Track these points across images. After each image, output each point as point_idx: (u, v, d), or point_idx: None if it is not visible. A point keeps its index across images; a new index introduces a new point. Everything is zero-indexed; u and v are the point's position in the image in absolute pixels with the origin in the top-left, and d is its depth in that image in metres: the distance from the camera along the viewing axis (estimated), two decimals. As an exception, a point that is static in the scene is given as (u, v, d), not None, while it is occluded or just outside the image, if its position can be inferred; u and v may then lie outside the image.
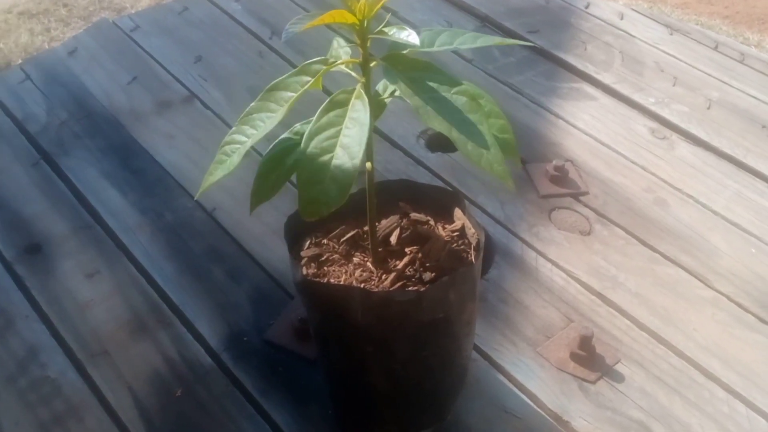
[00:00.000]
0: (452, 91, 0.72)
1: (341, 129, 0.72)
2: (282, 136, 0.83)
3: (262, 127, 0.74)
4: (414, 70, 0.73)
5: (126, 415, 1.05)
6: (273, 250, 1.25)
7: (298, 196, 0.71)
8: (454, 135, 0.70)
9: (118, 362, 1.11)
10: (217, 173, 0.75)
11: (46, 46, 2.54)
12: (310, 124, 0.73)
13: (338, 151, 0.71)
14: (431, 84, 0.72)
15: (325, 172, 0.71)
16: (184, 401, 1.07)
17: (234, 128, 0.76)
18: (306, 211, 0.71)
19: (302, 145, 0.72)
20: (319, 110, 0.73)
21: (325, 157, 0.71)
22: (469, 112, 0.70)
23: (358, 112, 0.72)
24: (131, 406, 1.06)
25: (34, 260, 1.26)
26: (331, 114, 0.73)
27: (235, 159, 0.75)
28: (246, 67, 1.66)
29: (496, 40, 0.80)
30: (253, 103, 0.75)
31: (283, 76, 0.75)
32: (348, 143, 0.71)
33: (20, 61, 2.09)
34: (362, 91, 0.74)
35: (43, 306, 1.19)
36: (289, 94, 0.74)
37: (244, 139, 0.75)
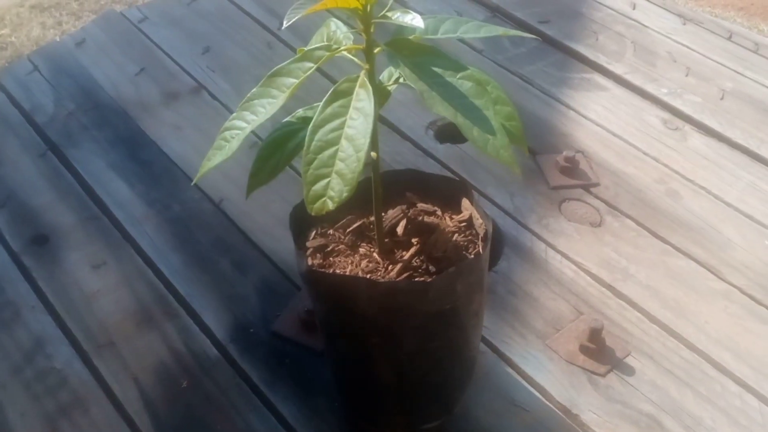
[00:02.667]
0: (458, 76, 0.70)
1: (345, 120, 0.71)
2: (284, 121, 0.82)
3: (262, 113, 0.73)
4: (418, 54, 0.72)
5: (131, 407, 1.05)
6: (280, 242, 1.25)
7: (304, 192, 0.70)
8: (459, 120, 0.68)
9: (124, 353, 1.11)
10: (215, 159, 0.74)
11: (58, 40, 2.54)
12: (314, 116, 0.71)
13: (343, 143, 0.70)
14: (436, 69, 0.71)
15: (331, 167, 0.69)
16: (190, 393, 1.06)
17: (234, 114, 0.75)
18: (312, 206, 0.70)
19: (307, 138, 0.70)
20: (323, 101, 0.72)
21: (330, 151, 0.70)
22: (475, 97, 0.69)
23: (363, 101, 0.71)
24: (137, 398, 1.06)
25: (41, 251, 1.26)
26: (335, 104, 0.72)
27: (234, 144, 0.73)
28: (254, 58, 1.65)
29: (500, 30, 0.79)
30: (254, 89, 0.74)
31: (286, 62, 0.74)
32: (353, 135, 0.70)
33: (30, 53, 2.08)
34: (366, 80, 0.72)
35: (50, 297, 1.19)
36: (291, 80, 0.73)
37: (244, 125, 0.74)
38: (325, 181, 0.69)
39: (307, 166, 0.70)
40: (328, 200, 0.69)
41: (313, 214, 0.70)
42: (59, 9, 2.93)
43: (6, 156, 1.44)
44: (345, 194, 0.69)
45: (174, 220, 1.31)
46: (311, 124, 0.70)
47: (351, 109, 0.70)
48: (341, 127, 0.70)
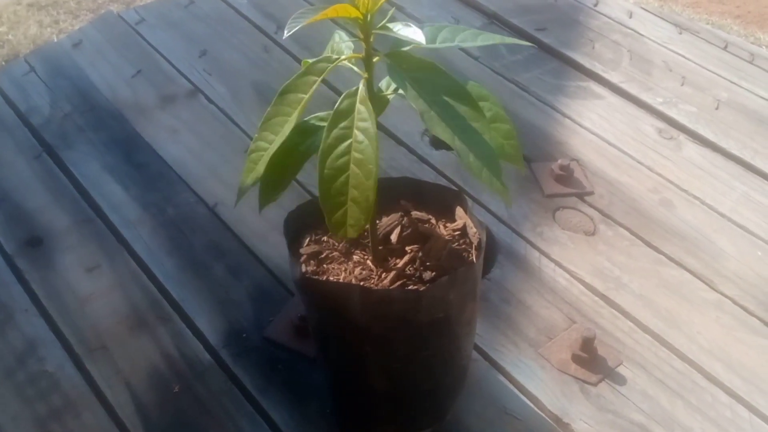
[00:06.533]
0: (457, 95, 0.71)
1: (351, 143, 0.72)
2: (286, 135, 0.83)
3: (281, 132, 0.75)
4: (419, 70, 0.73)
5: (123, 411, 1.05)
6: (274, 247, 1.25)
7: (326, 220, 0.73)
8: (456, 144, 0.70)
9: (116, 357, 1.11)
10: (248, 181, 0.77)
11: (55, 39, 2.54)
12: (321, 142, 0.73)
13: (353, 169, 0.72)
14: (435, 87, 0.72)
15: (345, 194, 0.72)
16: (183, 398, 1.06)
17: (256, 135, 0.77)
18: (337, 233, 0.73)
19: (318, 167, 0.72)
20: (327, 124, 0.73)
21: (342, 178, 0.72)
22: (473, 119, 0.70)
23: (365, 121, 0.73)
24: (129, 402, 1.05)
25: (34, 253, 1.26)
26: (339, 126, 0.73)
27: (261, 166, 0.77)
28: (251, 61, 1.65)
29: (497, 38, 0.79)
30: (269, 108, 0.76)
31: (292, 78, 0.75)
32: (361, 160, 0.72)
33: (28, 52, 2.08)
34: (365, 94, 0.73)
35: (43, 300, 1.19)
36: (300, 95, 0.75)
37: (266, 145, 0.76)
38: (343, 209, 0.72)
39: (323, 195, 0.72)
40: (348, 228, 0.72)
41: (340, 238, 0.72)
42: (56, 7, 2.93)
43: (1, 157, 1.44)
44: (363, 221, 0.72)
45: (168, 224, 1.30)
46: (320, 151, 0.72)
47: (355, 130, 0.72)
48: (348, 151, 0.72)
